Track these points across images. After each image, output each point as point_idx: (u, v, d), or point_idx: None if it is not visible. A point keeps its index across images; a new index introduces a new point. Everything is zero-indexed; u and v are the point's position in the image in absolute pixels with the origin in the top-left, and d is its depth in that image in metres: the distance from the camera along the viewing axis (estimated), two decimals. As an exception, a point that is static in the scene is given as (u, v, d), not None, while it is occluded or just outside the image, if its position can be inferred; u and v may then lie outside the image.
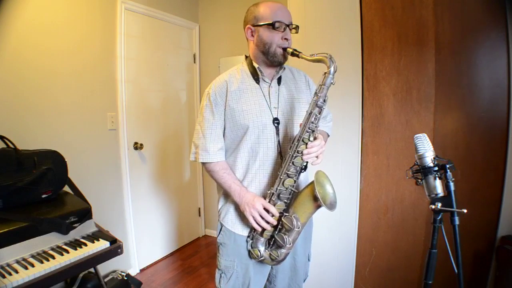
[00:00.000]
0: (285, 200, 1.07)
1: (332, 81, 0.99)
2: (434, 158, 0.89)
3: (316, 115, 1.00)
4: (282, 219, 1.06)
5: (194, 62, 2.90)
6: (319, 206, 1.02)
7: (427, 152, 0.90)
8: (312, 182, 1.02)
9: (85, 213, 1.38)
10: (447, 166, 0.87)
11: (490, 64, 1.60)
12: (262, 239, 1.11)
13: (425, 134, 0.93)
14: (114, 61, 2.16)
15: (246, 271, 1.16)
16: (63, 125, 1.87)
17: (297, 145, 1.02)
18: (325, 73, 0.99)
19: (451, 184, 0.87)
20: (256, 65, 1.14)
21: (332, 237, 1.78)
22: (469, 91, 1.59)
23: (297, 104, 1.17)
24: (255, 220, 1.06)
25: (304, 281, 1.31)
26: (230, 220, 1.17)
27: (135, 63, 2.34)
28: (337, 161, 1.72)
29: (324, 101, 1.01)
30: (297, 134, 1.04)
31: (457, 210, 0.85)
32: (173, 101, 2.74)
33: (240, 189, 1.10)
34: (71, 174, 1.53)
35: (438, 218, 0.89)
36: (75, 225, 1.33)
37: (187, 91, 2.87)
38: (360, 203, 1.69)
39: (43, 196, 1.38)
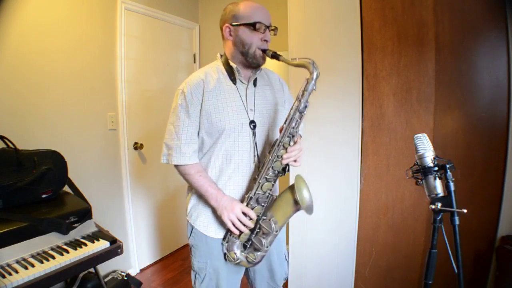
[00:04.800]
0: (263, 204, 1.07)
1: (314, 87, 0.98)
2: (434, 158, 0.89)
3: (297, 120, 1.00)
4: (260, 223, 1.06)
5: (194, 62, 2.90)
6: (298, 210, 1.04)
7: (427, 152, 0.90)
8: (292, 186, 1.03)
9: (85, 213, 1.38)
10: (447, 166, 0.87)
11: (490, 64, 1.60)
12: (237, 242, 1.09)
13: (425, 134, 0.93)
14: (114, 61, 2.16)
15: (218, 272, 1.15)
16: (63, 125, 1.87)
17: (277, 150, 1.02)
18: (307, 79, 0.98)
19: (451, 184, 0.87)
20: (233, 65, 1.11)
21: (332, 237, 1.78)
22: (469, 91, 1.59)
23: (273, 106, 1.16)
24: (233, 225, 1.05)
25: (284, 279, 1.30)
26: (203, 223, 1.15)
27: (135, 63, 2.33)
28: (337, 161, 1.72)
29: (306, 106, 1.00)
30: (277, 139, 1.03)
31: (457, 210, 0.85)
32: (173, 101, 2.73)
33: (217, 193, 1.07)
34: (71, 174, 1.53)
35: (438, 218, 0.89)
36: (75, 225, 1.33)
37: (187, 91, 2.86)
38: (360, 203, 1.68)
39: (43, 196, 1.38)
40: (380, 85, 1.57)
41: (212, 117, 1.07)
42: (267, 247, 1.06)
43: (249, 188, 1.09)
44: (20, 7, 1.63)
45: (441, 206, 0.87)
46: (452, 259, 0.87)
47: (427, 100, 1.46)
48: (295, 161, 1.04)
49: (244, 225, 1.05)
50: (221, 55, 1.17)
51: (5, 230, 1.13)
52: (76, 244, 1.29)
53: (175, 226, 2.78)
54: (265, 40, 1.07)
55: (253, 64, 1.10)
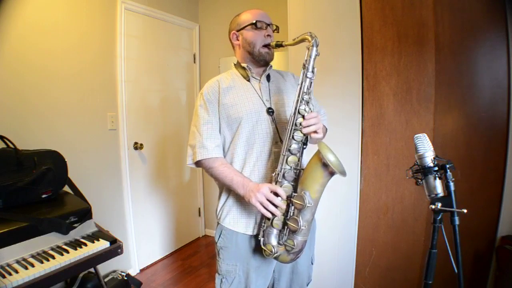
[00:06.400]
0: (292, 182, 1.03)
1: (316, 53, 1.03)
2: (434, 158, 0.89)
3: (307, 86, 1.03)
4: (292, 200, 1.00)
5: (194, 62, 2.90)
6: (331, 173, 0.96)
7: (427, 152, 0.90)
8: (317, 151, 0.97)
9: (85, 213, 1.38)
10: (447, 166, 0.87)
11: (490, 64, 1.60)
12: (274, 231, 1.04)
13: (425, 134, 0.93)
14: (114, 61, 2.16)
15: (248, 275, 1.13)
16: (63, 125, 1.87)
17: (294, 118, 1.02)
18: (307, 47, 1.03)
19: (451, 184, 0.87)
20: (244, 65, 1.18)
21: (332, 237, 1.78)
22: (469, 91, 1.59)
23: (289, 96, 1.19)
24: (262, 205, 1.00)
25: (307, 284, 1.28)
26: (232, 219, 1.14)
27: (135, 63, 2.33)
28: (337, 161, 1.72)
29: (313, 72, 1.03)
30: (293, 107, 1.03)
31: (457, 210, 0.85)
32: (173, 101, 2.73)
33: (243, 180, 1.06)
34: (71, 174, 1.53)
35: (438, 218, 0.89)
36: (75, 225, 1.33)
37: (187, 91, 2.86)
38: (360, 203, 1.68)
39: (43, 196, 1.38)
40: (380, 85, 1.57)
41: (229, 109, 1.13)
42: (305, 226, 0.98)
43: (277, 166, 1.06)
44: (20, 7, 1.63)
45: (441, 206, 0.87)
46: (452, 259, 0.87)
47: (427, 100, 1.46)
48: (316, 132, 1.01)
49: (275, 205, 0.99)
50: (234, 64, 1.24)
51: (5, 230, 1.13)
52: (76, 244, 1.29)
53: (175, 226, 2.79)
54: (268, 35, 1.14)
55: (261, 61, 1.17)
